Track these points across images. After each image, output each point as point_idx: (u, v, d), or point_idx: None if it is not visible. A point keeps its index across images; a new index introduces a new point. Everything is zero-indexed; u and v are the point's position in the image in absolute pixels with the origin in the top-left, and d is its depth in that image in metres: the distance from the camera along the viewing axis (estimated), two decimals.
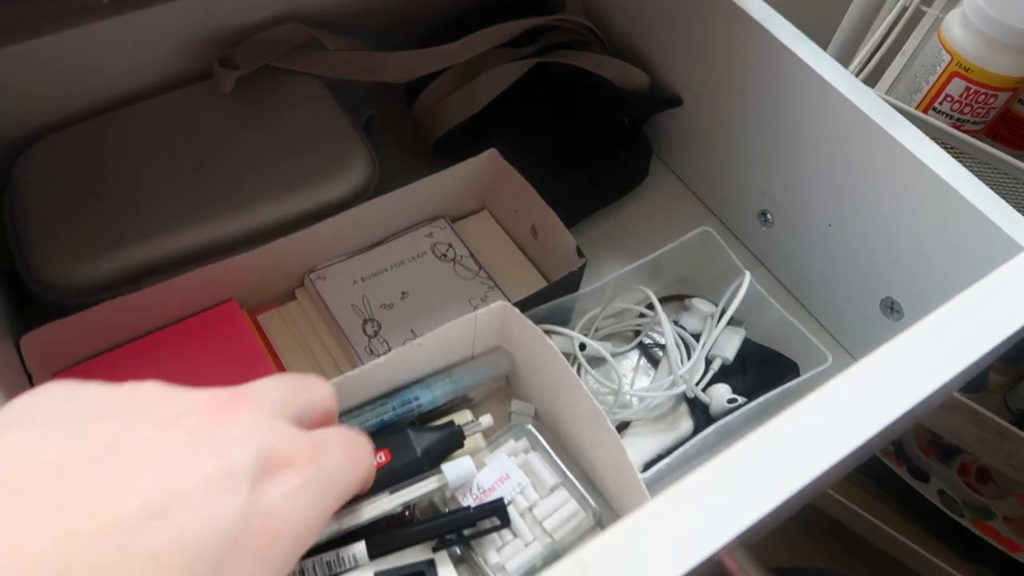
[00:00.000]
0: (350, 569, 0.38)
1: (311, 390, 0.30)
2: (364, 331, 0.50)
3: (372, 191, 0.54)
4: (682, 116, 0.59)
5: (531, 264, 0.55)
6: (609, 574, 0.25)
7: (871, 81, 0.71)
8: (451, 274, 0.53)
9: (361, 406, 0.44)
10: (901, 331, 0.33)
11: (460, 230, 0.55)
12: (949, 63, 0.64)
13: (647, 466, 0.46)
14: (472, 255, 0.54)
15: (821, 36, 0.53)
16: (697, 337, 0.52)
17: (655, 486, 0.45)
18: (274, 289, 0.52)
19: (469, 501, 0.42)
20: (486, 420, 0.44)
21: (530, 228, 0.54)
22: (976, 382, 0.84)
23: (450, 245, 0.54)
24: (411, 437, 0.42)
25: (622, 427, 0.49)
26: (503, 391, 0.50)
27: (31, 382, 0.44)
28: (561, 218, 0.51)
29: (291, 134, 0.54)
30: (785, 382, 0.48)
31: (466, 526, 0.41)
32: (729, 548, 0.29)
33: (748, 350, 0.52)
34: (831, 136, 0.48)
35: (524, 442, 0.46)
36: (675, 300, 0.55)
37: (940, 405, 0.77)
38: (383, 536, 0.39)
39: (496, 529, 0.41)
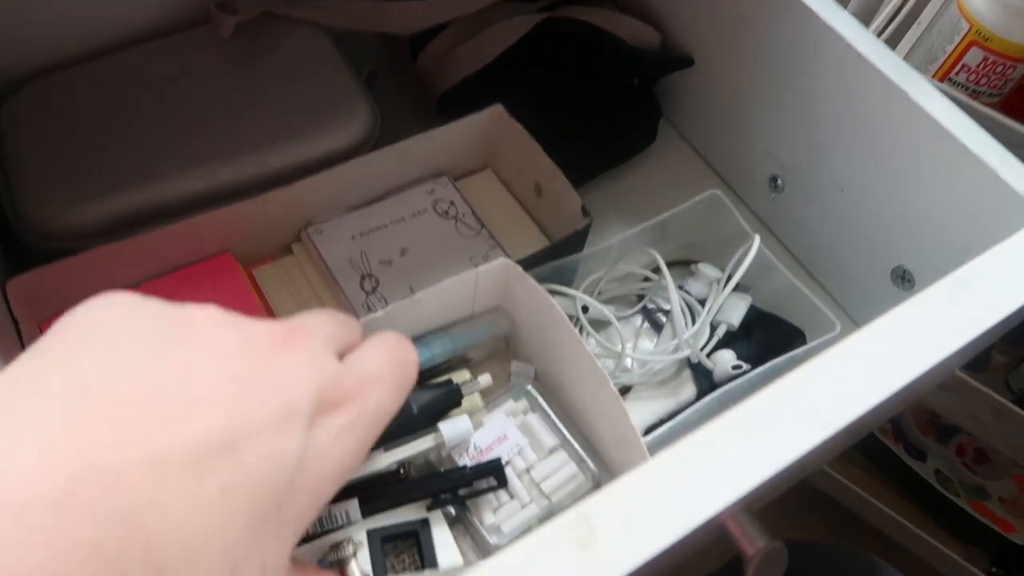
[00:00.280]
0: (342, 526, 0.37)
1: (350, 327, 0.30)
2: (362, 287, 0.49)
3: (373, 144, 0.52)
4: (692, 77, 0.57)
5: (534, 224, 0.54)
6: (611, 527, 0.24)
7: None
8: (452, 232, 0.51)
9: None
10: None
11: (462, 188, 0.54)
12: (968, 31, 0.62)
13: (648, 431, 0.45)
14: (474, 213, 0.52)
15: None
16: (702, 303, 0.50)
17: (656, 451, 0.44)
18: (270, 243, 0.50)
19: (466, 461, 0.41)
20: (485, 379, 0.43)
21: (534, 186, 0.52)
22: (979, 362, 0.84)
23: (452, 202, 0.53)
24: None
25: (623, 391, 0.48)
26: (502, 353, 0.49)
27: (17, 328, 0.42)
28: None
29: (291, 83, 0.53)
30: (791, 349, 0.47)
31: (462, 485, 0.40)
32: (732, 510, 0.28)
33: (754, 316, 0.51)
34: (848, 97, 0.46)
35: (523, 403, 0.45)
36: (681, 265, 0.53)
37: (941, 384, 0.76)
38: (377, 493, 0.38)
39: (493, 490, 0.40)
